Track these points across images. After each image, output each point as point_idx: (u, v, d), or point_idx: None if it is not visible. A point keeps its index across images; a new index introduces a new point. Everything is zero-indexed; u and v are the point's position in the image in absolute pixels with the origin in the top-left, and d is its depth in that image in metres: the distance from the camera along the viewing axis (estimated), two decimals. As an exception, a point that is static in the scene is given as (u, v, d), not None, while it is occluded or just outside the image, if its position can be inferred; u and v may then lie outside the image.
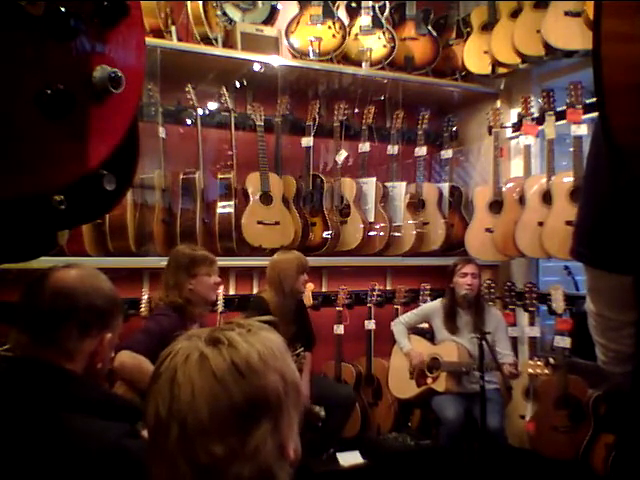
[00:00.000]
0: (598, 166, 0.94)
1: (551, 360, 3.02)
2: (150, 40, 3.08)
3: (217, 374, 0.77)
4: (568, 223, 3.15)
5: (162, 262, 2.77)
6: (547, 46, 3.27)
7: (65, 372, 1.16)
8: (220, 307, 3.22)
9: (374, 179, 3.77)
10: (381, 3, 3.91)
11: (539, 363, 3.01)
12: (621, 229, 0.91)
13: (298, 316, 3.17)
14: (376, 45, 3.83)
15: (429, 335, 3.52)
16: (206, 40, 3.38)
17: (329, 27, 3.74)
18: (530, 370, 3.04)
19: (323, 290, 3.89)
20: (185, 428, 0.76)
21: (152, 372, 0.84)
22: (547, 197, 3.34)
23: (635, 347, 1.01)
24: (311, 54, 3.67)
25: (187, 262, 2.59)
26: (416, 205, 3.90)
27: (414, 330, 3.57)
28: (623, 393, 1.06)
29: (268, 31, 3.56)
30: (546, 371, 2.99)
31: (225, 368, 0.78)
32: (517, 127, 3.77)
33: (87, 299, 1.19)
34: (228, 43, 3.45)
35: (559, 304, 3.17)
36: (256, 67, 3.58)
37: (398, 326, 3.50)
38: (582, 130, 3.18)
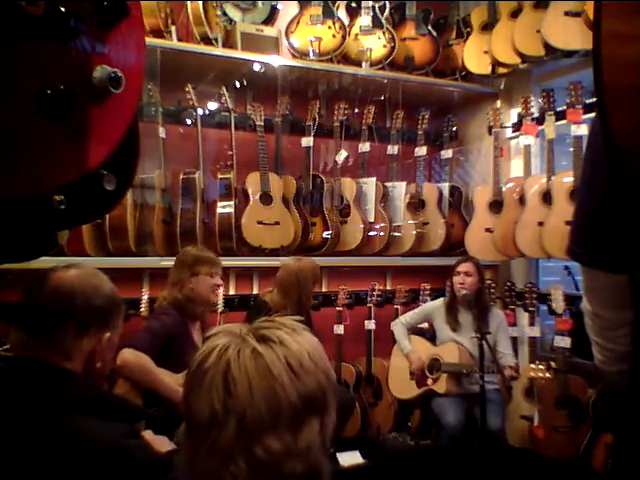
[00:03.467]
0: (595, 166, 0.94)
1: (553, 364, 3.01)
2: (150, 40, 3.07)
3: (273, 371, 0.79)
4: (568, 223, 3.14)
5: (162, 262, 2.78)
6: (547, 46, 3.27)
7: (64, 372, 1.17)
8: (220, 307, 3.22)
9: (374, 179, 3.77)
10: (381, 3, 3.91)
11: (541, 367, 2.99)
12: (617, 229, 0.91)
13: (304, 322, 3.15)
14: (376, 45, 3.82)
15: (429, 335, 3.52)
16: (206, 40, 3.38)
17: (329, 27, 3.74)
18: (532, 374, 3.02)
19: (323, 290, 3.89)
20: (244, 423, 0.77)
21: (192, 369, 0.83)
22: (547, 197, 3.34)
23: (631, 346, 1.01)
24: (311, 54, 3.67)
25: (191, 260, 2.63)
26: (416, 205, 3.89)
27: (414, 330, 3.57)
28: (619, 392, 1.06)
29: (268, 31, 3.56)
30: (548, 375, 2.97)
31: (281, 367, 0.79)
32: (517, 127, 3.77)
33: (85, 298, 1.20)
34: (228, 43, 3.45)
35: (559, 304, 3.16)
36: (256, 67, 3.58)
37: (398, 326, 3.49)
38: (582, 130, 3.17)
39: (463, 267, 3.29)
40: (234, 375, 0.79)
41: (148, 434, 1.53)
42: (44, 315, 1.18)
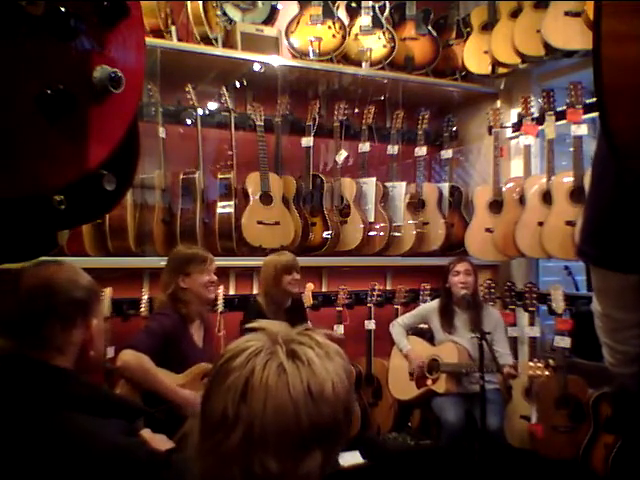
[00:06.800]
0: (604, 165, 0.94)
1: (551, 362, 3.01)
2: (150, 40, 3.07)
3: (292, 393, 0.78)
4: (568, 223, 3.15)
5: (162, 262, 2.77)
6: (547, 46, 3.27)
7: (59, 370, 1.16)
8: (220, 307, 3.22)
9: (374, 179, 3.77)
10: (381, 3, 3.91)
11: (539, 365, 2.99)
12: (626, 228, 0.90)
13: (292, 317, 3.15)
14: (376, 45, 3.83)
15: (429, 335, 3.52)
16: (206, 40, 3.38)
17: (329, 27, 3.74)
18: (530, 372, 3.02)
19: (323, 290, 3.89)
20: (250, 435, 0.76)
21: (221, 362, 0.83)
22: (547, 197, 3.34)
23: None
24: (311, 54, 3.67)
25: (180, 261, 2.64)
26: (416, 205, 3.89)
27: (414, 331, 3.57)
28: (629, 394, 1.05)
29: (268, 31, 3.56)
30: (546, 373, 2.98)
31: (300, 390, 0.78)
32: (517, 127, 3.77)
33: (64, 292, 1.20)
34: (228, 43, 3.45)
35: (559, 304, 3.16)
36: (256, 67, 3.58)
37: (396, 327, 3.50)
38: (582, 130, 3.18)
39: (462, 266, 3.30)
40: (254, 384, 0.78)
41: (147, 432, 1.53)
42: (27, 318, 1.17)
